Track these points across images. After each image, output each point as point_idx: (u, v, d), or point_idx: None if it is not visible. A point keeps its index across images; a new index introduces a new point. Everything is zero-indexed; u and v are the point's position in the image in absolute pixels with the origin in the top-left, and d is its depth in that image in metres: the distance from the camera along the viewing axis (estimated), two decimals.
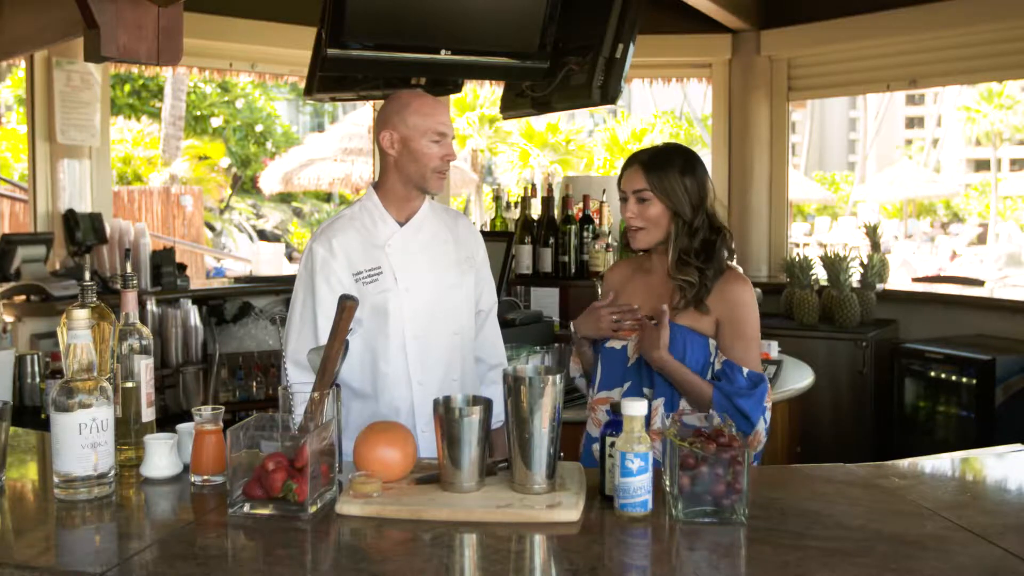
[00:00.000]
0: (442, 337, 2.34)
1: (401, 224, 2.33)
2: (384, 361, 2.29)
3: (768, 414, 2.21)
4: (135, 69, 5.78)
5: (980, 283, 5.84)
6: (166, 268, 4.68)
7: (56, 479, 1.71)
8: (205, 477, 1.78)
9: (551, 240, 3.76)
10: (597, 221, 3.78)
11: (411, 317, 2.29)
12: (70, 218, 4.72)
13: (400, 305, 2.28)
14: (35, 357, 3.51)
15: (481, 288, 2.49)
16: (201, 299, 4.66)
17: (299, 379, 2.14)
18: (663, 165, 2.19)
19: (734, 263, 2.30)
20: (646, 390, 2.20)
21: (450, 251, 2.39)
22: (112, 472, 1.75)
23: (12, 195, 9.23)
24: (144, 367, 1.96)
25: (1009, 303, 4.74)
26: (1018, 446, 2.20)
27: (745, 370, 2.15)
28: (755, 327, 2.19)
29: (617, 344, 2.28)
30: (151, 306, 4.34)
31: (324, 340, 2.00)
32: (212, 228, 16.26)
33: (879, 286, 4.87)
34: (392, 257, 2.29)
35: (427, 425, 2.22)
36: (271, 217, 19.31)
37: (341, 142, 11.94)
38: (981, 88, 25.09)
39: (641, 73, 5.95)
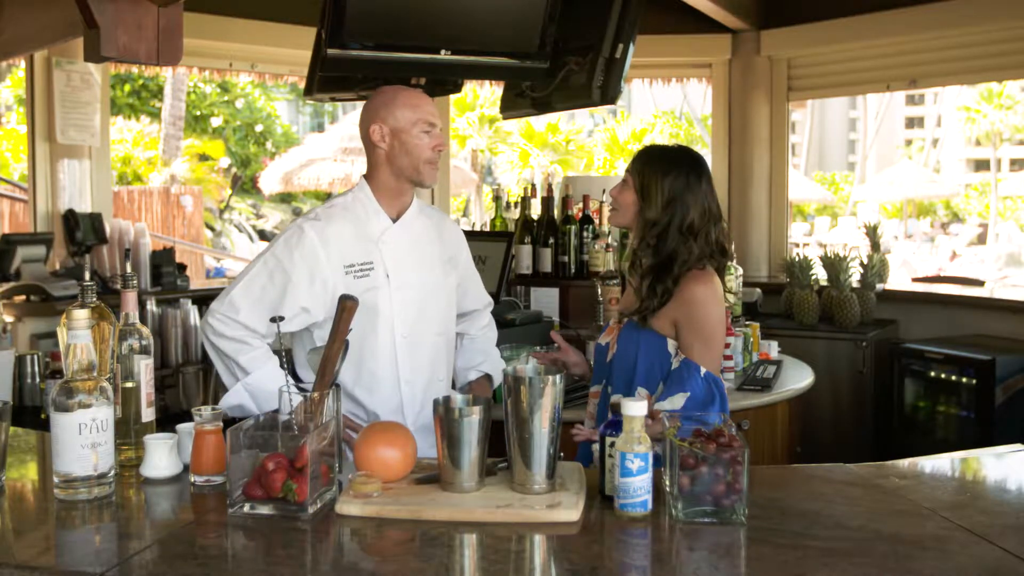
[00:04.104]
0: (429, 337, 2.33)
1: (393, 220, 2.30)
2: (372, 359, 2.26)
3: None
4: (135, 69, 5.78)
5: (980, 283, 5.84)
6: (166, 268, 4.68)
7: (56, 479, 1.71)
8: (205, 477, 1.78)
9: (551, 240, 3.76)
10: (597, 221, 3.78)
11: (401, 315, 2.27)
12: (70, 218, 4.72)
13: (391, 303, 2.26)
14: (35, 357, 3.51)
15: (466, 287, 2.50)
16: (201, 299, 4.65)
17: (232, 334, 2.15)
18: (655, 159, 2.21)
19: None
20: (609, 387, 2.22)
21: (436, 251, 2.38)
22: (112, 472, 1.75)
23: (12, 195, 9.22)
24: (144, 367, 1.96)
25: (1009, 303, 4.73)
26: (1018, 446, 2.20)
27: (703, 370, 2.11)
28: (714, 326, 2.14)
29: (603, 340, 2.30)
30: (151, 306, 4.34)
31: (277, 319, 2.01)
32: (212, 228, 16.26)
33: (879, 286, 4.87)
34: (385, 253, 2.27)
35: (414, 424, 2.22)
36: (271, 217, 19.32)
37: (341, 142, 11.92)
38: (981, 88, 25.08)
39: (641, 73, 5.95)
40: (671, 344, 2.16)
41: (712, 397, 2.10)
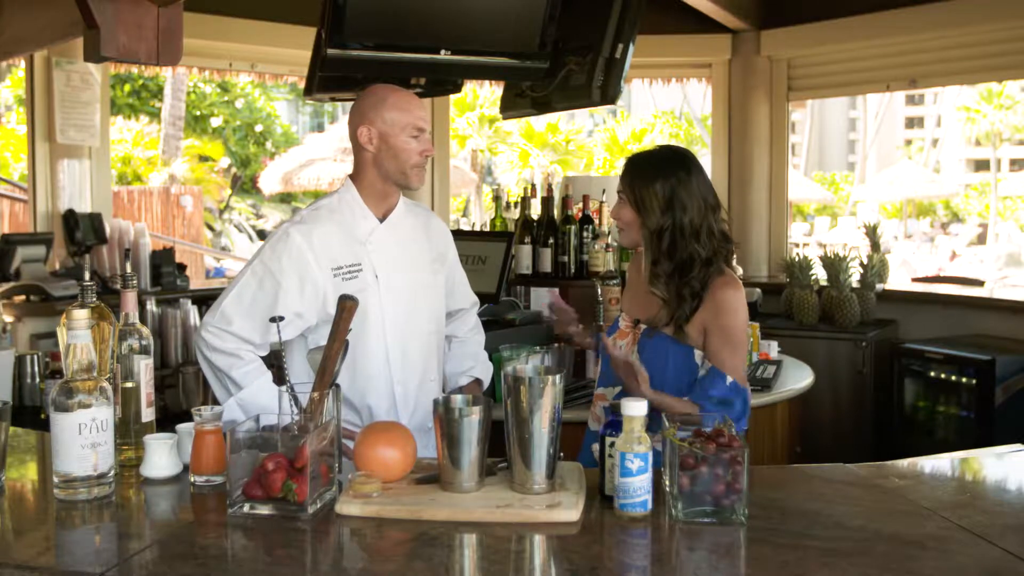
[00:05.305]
0: (419, 337, 2.31)
1: (380, 220, 2.28)
2: (364, 361, 2.23)
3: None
4: (135, 69, 5.78)
5: (980, 283, 5.85)
6: (166, 268, 4.68)
7: (56, 479, 1.71)
8: (205, 477, 1.78)
9: (551, 240, 3.76)
10: (597, 221, 3.77)
11: (391, 316, 2.25)
12: (70, 218, 4.72)
13: (380, 304, 2.24)
14: (35, 357, 3.51)
15: (452, 285, 2.48)
16: (201, 299, 4.66)
17: (225, 347, 2.14)
18: (640, 168, 2.19)
19: (734, 264, 2.29)
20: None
21: (424, 250, 2.36)
22: (112, 472, 1.74)
23: (12, 195, 9.22)
24: (144, 367, 1.95)
25: (1009, 303, 4.74)
26: (1018, 446, 2.20)
27: (729, 379, 2.11)
28: (742, 331, 2.15)
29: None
30: (151, 306, 4.35)
31: (270, 327, 2.01)
32: (212, 228, 16.27)
33: (879, 286, 4.87)
34: (373, 254, 2.24)
35: (407, 425, 2.20)
36: (271, 217, 19.33)
37: (341, 142, 11.93)
38: (981, 88, 25.09)
39: (641, 73, 5.95)
40: (698, 355, 2.15)
41: (741, 411, 2.11)
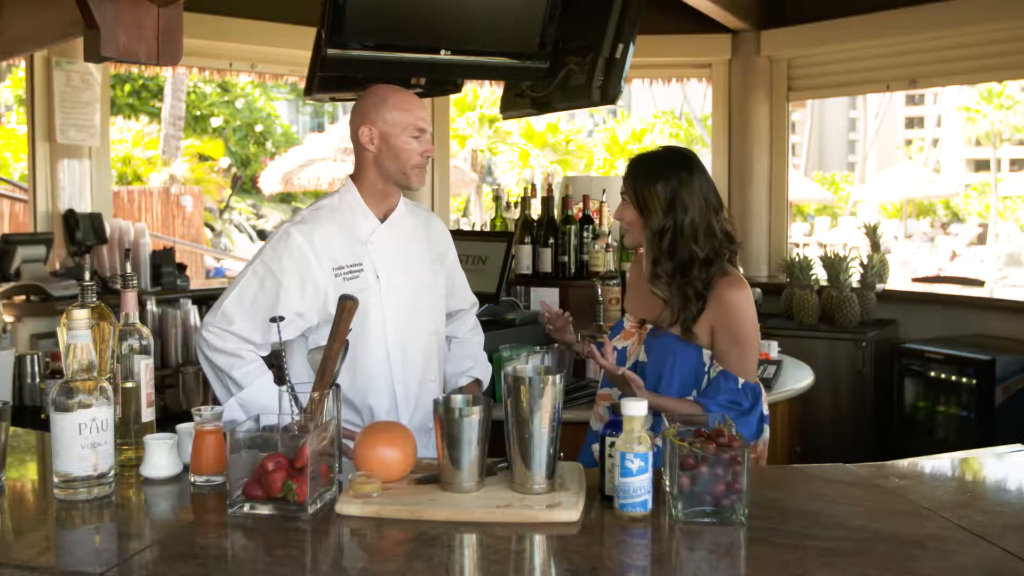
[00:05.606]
0: (420, 337, 2.32)
1: (380, 220, 2.28)
2: (365, 361, 2.23)
3: (767, 423, 2.20)
4: (135, 69, 5.79)
5: (980, 283, 5.85)
6: (166, 268, 4.69)
7: (56, 479, 1.71)
8: (205, 477, 1.78)
9: (551, 240, 3.76)
10: (597, 221, 3.78)
11: (392, 316, 2.26)
12: (70, 218, 4.72)
13: (381, 304, 2.24)
14: (35, 357, 3.51)
15: (452, 287, 2.49)
16: (201, 299, 4.66)
17: (226, 347, 2.14)
18: (643, 168, 2.21)
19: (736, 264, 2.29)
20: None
21: (425, 250, 2.36)
22: (112, 472, 1.74)
23: (12, 195, 9.22)
24: (144, 367, 1.95)
25: (1009, 303, 4.74)
26: (1018, 446, 2.20)
27: (741, 381, 2.12)
28: (750, 332, 2.15)
29: (618, 344, 2.30)
30: (151, 306, 4.34)
31: (271, 326, 2.00)
32: (212, 228, 16.27)
33: (879, 286, 4.87)
34: (374, 254, 2.25)
35: (408, 425, 2.20)
36: (271, 217, 19.33)
37: (341, 142, 11.94)
38: (981, 88, 25.10)
39: (641, 73, 5.95)
40: (706, 354, 2.16)
41: (751, 406, 2.12)
